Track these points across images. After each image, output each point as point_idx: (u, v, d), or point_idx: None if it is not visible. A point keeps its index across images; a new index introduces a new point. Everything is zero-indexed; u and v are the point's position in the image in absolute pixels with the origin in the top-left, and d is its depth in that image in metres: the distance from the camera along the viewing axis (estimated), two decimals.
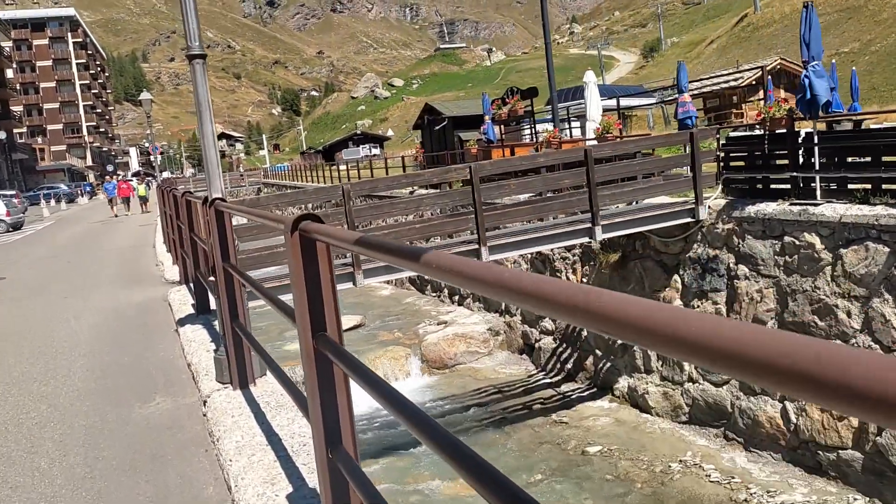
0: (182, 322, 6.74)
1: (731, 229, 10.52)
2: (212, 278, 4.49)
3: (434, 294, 21.01)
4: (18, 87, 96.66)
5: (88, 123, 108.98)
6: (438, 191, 10.18)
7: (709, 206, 10.95)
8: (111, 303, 8.94)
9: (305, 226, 2.10)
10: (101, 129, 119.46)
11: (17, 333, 7.63)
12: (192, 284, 8.43)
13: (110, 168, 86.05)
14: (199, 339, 5.86)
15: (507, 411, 13.49)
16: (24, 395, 5.29)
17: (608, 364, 13.31)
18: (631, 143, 11.26)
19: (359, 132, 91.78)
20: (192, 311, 7.18)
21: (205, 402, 4.40)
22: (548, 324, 15.26)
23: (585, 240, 10.72)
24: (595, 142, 14.51)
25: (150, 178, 70.53)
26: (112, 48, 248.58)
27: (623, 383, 12.83)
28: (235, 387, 4.33)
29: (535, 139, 17.34)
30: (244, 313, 4.33)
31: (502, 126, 19.17)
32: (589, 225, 10.58)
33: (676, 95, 13.75)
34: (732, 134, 12.87)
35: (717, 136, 11.05)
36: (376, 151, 78.63)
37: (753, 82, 38.86)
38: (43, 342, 7.06)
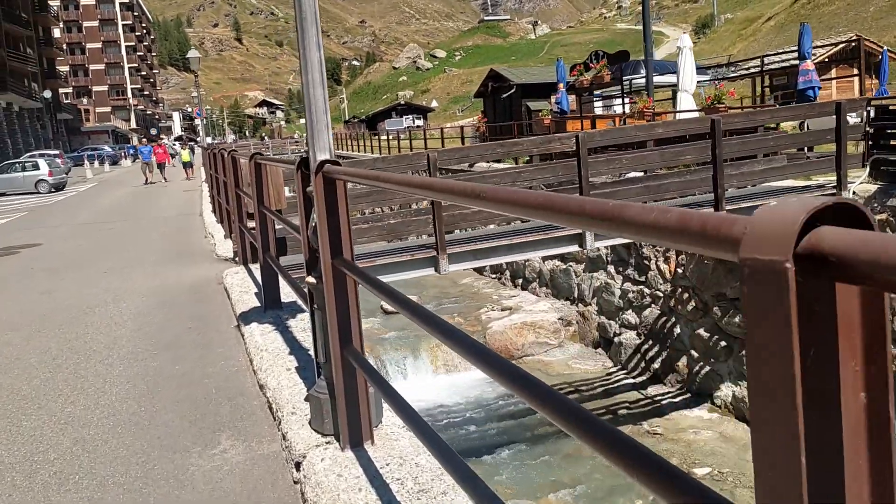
0: (245, 318, 5.33)
1: (885, 220, 8.80)
2: (310, 279, 3.04)
3: (494, 276, 19.50)
4: (65, 47, 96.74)
5: (133, 86, 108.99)
6: (534, 164, 8.62)
7: (853, 192, 9.22)
8: (157, 282, 7.61)
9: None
10: (146, 93, 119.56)
11: (44, 319, 6.33)
12: (251, 266, 7.05)
13: (154, 132, 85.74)
14: (273, 348, 4.44)
15: None
16: (44, 419, 3.93)
17: (706, 368, 11.70)
18: (766, 114, 9.56)
19: (402, 102, 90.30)
20: (255, 302, 5.78)
21: (298, 464, 2.97)
22: (630, 317, 13.67)
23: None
24: (695, 114, 12.77)
25: (192, 143, 70.00)
26: (157, 12, 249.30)
27: (726, 391, 11.23)
28: (345, 445, 2.88)
29: (623, 109, 15.60)
30: (359, 334, 2.87)
31: (578, 96, 17.42)
32: (710, 209, 8.95)
33: (797, 63, 11.92)
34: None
35: (868, 108, 9.29)
36: (419, 122, 77.20)
37: (826, 59, 36.27)
38: (74, 335, 5.73)
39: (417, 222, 8.16)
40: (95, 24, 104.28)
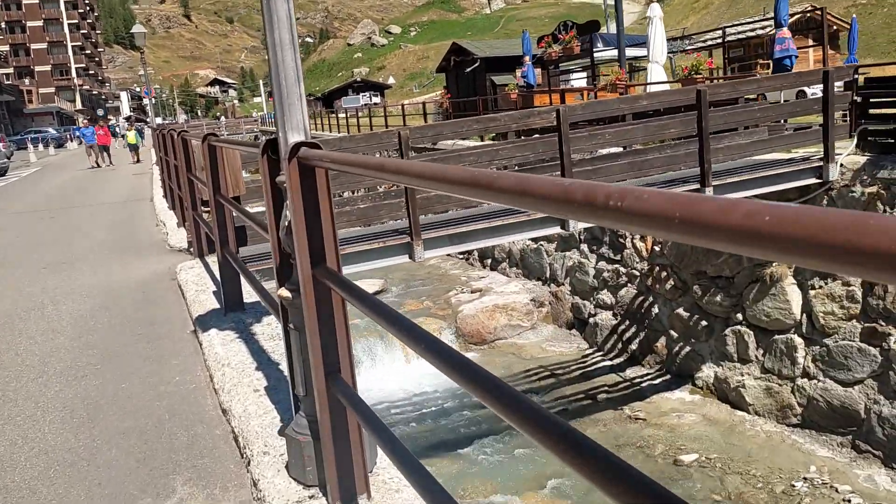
0: (203, 322, 4.68)
1: (875, 194, 8.45)
2: (283, 291, 2.41)
3: (462, 256, 18.95)
4: (3, 26, 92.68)
5: (78, 65, 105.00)
6: (511, 140, 8.04)
7: (841, 165, 8.86)
8: (102, 280, 6.87)
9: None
10: (91, 72, 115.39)
11: None
12: (208, 259, 6.36)
13: (101, 112, 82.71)
14: (237, 362, 3.82)
15: (566, 400, 11.59)
16: None
17: (687, 348, 11.36)
18: (751, 84, 9.10)
19: (358, 80, 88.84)
20: (214, 302, 5.12)
21: None
22: (605, 297, 13.27)
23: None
24: (667, 86, 12.33)
25: (141, 124, 67.65)
26: None
27: (708, 372, 10.91)
28: (334, 500, 2.29)
29: (593, 82, 15.04)
30: (349, 363, 2.27)
31: (547, 69, 16.81)
32: (696, 185, 8.51)
33: (773, 31, 11.52)
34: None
35: (855, 77, 8.90)
36: (377, 100, 75.99)
37: None
38: (4, 345, 5.01)
39: (389, 206, 7.55)
40: (36, 1, 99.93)
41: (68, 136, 56.07)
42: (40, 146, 49.68)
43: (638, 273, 12.40)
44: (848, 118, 9.24)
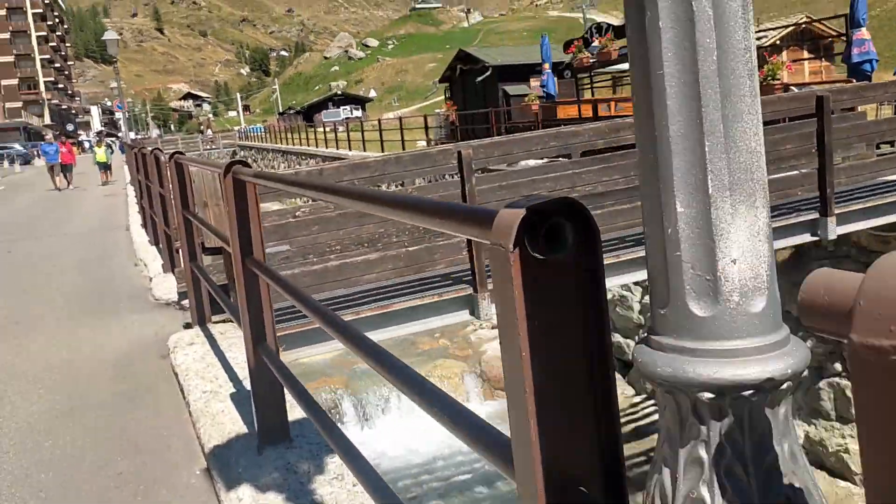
0: (223, 465, 2.86)
1: None
2: None
3: None
4: None
5: (46, 79, 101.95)
6: (595, 157, 6.31)
7: None
8: (63, 356, 5.00)
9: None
10: (61, 86, 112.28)
11: None
12: (213, 328, 4.56)
13: (70, 127, 79.90)
14: None
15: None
16: None
17: None
18: (877, 90, 7.49)
19: (339, 93, 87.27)
20: (239, 423, 3.28)
21: None
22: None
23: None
24: None
25: (112, 139, 65.03)
26: (71, 2, 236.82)
27: (797, 432, 9.21)
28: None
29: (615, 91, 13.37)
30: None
31: (575, 77, 15.14)
32: (815, 215, 6.86)
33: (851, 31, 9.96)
34: None
35: None
36: (357, 113, 74.42)
37: (778, 42, 35.27)
38: None
39: (448, 248, 5.79)
40: (2, 12, 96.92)
41: (35, 153, 53.59)
42: (5, 163, 47.26)
43: None
44: None
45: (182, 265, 5.05)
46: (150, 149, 6.50)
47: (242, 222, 2.72)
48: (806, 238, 7.03)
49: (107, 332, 5.45)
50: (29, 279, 7.96)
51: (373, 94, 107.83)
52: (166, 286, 6.50)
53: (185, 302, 6.12)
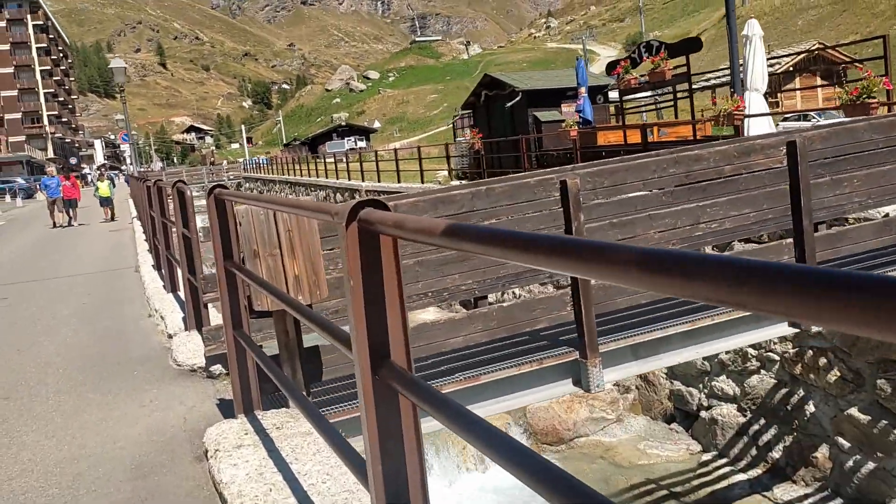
0: None
1: None
2: None
3: None
4: None
5: (50, 112, 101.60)
6: (724, 188, 5.18)
7: None
8: (63, 452, 3.81)
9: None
10: (64, 119, 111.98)
11: None
12: (263, 418, 3.39)
13: (74, 161, 79.23)
14: None
15: None
16: None
17: (869, 464, 8.43)
18: None
19: (343, 123, 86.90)
20: None
21: None
22: (725, 385, 10.36)
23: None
24: (769, 118, 9.57)
25: (115, 172, 64.15)
26: (75, 38, 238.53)
27: None
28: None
29: (693, 115, 12.32)
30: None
31: (621, 99, 14.09)
32: None
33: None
34: None
35: None
36: (362, 144, 73.88)
37: (791, 69, 34.50)
38: None
39: (549, 301, 4.65)
40: (7, 47, 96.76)
41: (38, 187, 52.73)
42: (7, 197, 46.37)
43: (778, 356, 9.53)
44: None
45: (223, 332, 3.89)
46: (172, 181, 5.38)
47: (374, 310, 1.56)
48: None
49: (119, 416, 4.26)
50: (26, 335, 6.79)
51: (377, 124, 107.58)
52: (190, 348, 5.33)
53: (215, 368, 4.96)
